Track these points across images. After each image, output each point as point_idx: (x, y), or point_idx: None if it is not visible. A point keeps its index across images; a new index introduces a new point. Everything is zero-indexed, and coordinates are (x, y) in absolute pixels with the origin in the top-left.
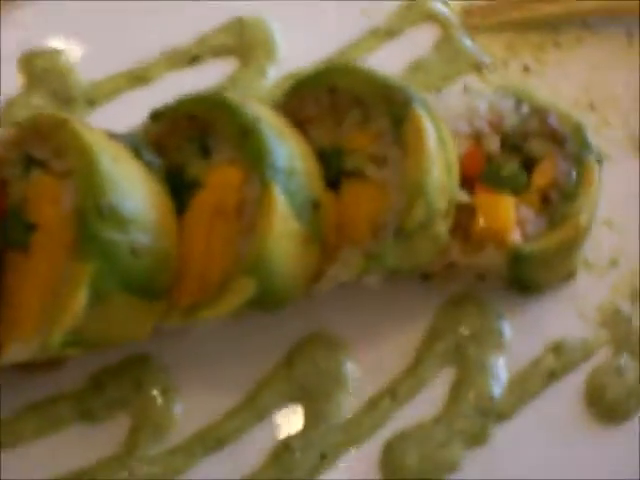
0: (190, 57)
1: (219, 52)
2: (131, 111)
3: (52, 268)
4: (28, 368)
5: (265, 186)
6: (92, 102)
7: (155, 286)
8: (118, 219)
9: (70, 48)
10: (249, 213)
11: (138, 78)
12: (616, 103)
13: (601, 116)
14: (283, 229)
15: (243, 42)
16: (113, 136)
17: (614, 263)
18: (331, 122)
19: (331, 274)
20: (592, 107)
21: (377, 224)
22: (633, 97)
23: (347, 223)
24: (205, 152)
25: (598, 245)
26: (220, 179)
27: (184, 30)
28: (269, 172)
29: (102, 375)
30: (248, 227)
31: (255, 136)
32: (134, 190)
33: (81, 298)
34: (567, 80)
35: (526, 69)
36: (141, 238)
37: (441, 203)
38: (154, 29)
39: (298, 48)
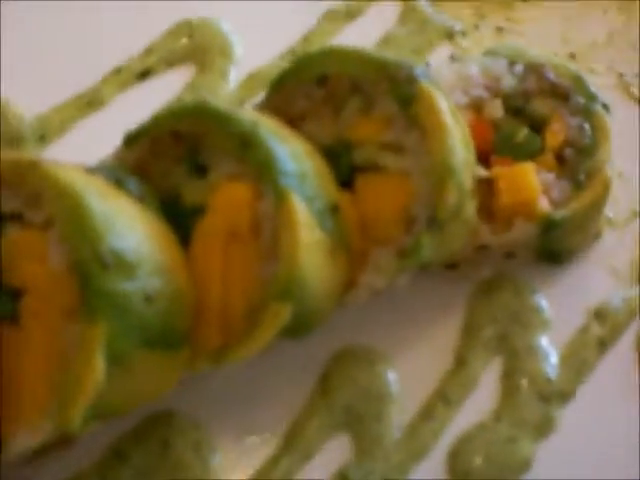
0: (140, 71)
1: (172, 61)
2: (90, 140)
3: (51, 337)
4: (37, 453)
5: (281, 196)
6: (43, 138)
7: (175, 333)
8: (124, 265)
9: (5, 84)
10: (267, 230)
11: (89, 104)
12: (596, 49)
13: (584, 65)
14: (310, 241)
15: (196, 46)
16: (89, 170)
17: (635, 214)
18: (327, 115)
19: (364, 282)
20: (573, 57)
21: (407, 217)
22: (611, 40)
23: (371, 222)
24: (199, 171)
25: (615, 199)
26: (225, 199)
27: (128, 43)
28: (282, 179)
29: (122, 443)
30: (269, 247)
31: (258, 143)
32: (132, 228)
33: (98, 365)
34: (543, 34)
35: (499, 30)
36: (153, 281)
37: (468, 181)
38: (95, 47)
39: (256, 44)
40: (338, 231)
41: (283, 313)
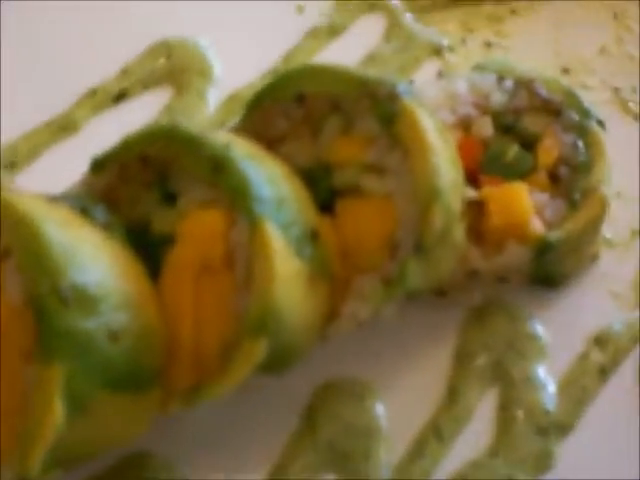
0: (116, 94)
1: (148, 83)
2: (62, 167)
3: (10, 378)
4: None
5: (255, 224)
6: (13, 165)
7: (144, 373)
8: (86, 300)
9: None
10: (241, 261)
11: (62, 128)
12: (589, 62)
13: (578, 79)
14: (286, 271)
15: (173, 67)
16: (53, 199)
17: (635, 234)
18: (306, 135)
19: (347, 312)
20: (566, 71)
21: (391, 243)
22: (605, 52)
23: (353, 249)
24: (169, 198)
25: (613, 219)
26: (196, 227)
27: (104, 65)
28: (256, 206)
29: None
30: (243, 278)
31: (230, 167)
32: (96, 259)
33: (57, 409)
34: (533, 48)
35: (487, 44)
36: (118, 317)
37: (456, 204)
38: (69, 69)
39: (235, 63)
40: (318, 259)
41: (258, 349)
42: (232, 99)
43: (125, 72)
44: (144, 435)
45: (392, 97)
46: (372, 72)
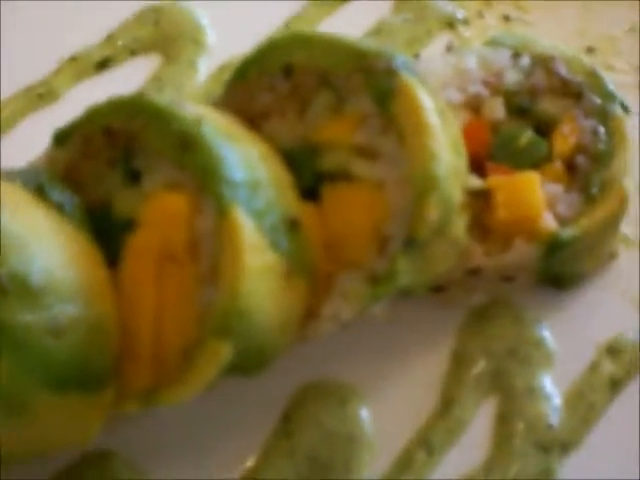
0: (99, 61)
1: (135, 49)
2: (40, 137)
3: None
4: None
5: (223, 210)
6: None
7: (94, 372)
8: (27, 291)
9: None
10: (207, 252)
11: (41, 96)
12: (616, 42)
13: (603, 60)
14: (257, 265)
15: (162, 33)
16: (9, 176)
17: None
18: (292, 112)
19: (328, 312)
20: (591, 51)
21: (380, 236)
22: (634, 32)
23: (338, 241)
24: (134, 177)
25: (633, 214)
26: (159, 212)
27: (87, 30)
28: (226, 190)
29: None
30: (208, 271)
31: (200, 145)
32: (45, 247)
33: None
34: (556, 24)
35: (506, 19)
36: (63, 310)
37: (457, 194)
38: (49, 34)
39: (230, 30)
40: (296, 251)
41: (222, 352)
42: (226, 69)
43: (110, 38)
44: (108, 432)
45: (389, 72)
46: (369, 43)
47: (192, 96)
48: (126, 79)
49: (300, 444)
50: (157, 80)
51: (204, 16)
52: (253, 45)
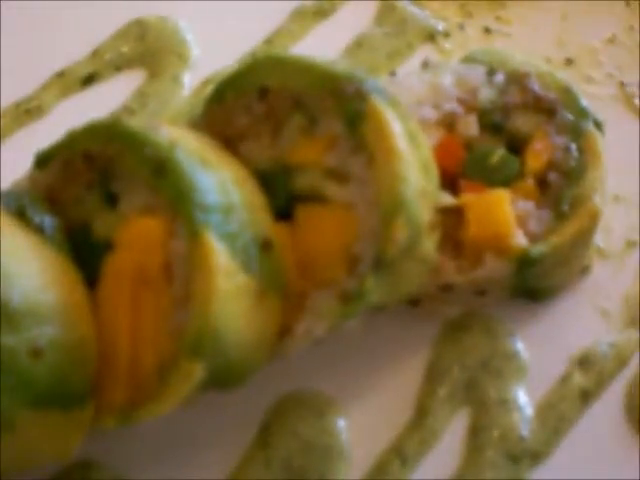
0: (84, 76)
1: (119, 65)
2: (27, 153)
3: None
4: None
5: (195, 234)
6: None
7: (73, 389)
8: (7, 314)
9: None
10: (180, 275)
11: (27, 112)
12: (595, 53)
13: (582, 71)
14: (229, 287)
15: (147, 48)
16: None
17: (631, 244)
18: (266, 134)
19: (301, 330)
20: (570, 62)
21: (350, 256)
22: (613, 43)
23: (310, 260)
24: (111, 201)
25: (608, 227)
26: (135, 235)
27: (73, 45)
28: (198, 214)
29: None
30: (182, 293)
31: (172, 169)
32: (25, 270)
33: None
34: (536, 35)
35: (487, 31)
36: (42, 332)
37: (425, 215)
38: (35, 49)
39: (214, 45)
40: (269, 271)
41: (195, 372)
42: (208, 83)
43: (96, 53)
44: (88, 443)
45: (359, 95)
46: (340, 66)
47: (176, 111)
48: (111, 94)
49: (276, 453)
50: (141, 95)
51: (188, 31)
52: (237, 58)
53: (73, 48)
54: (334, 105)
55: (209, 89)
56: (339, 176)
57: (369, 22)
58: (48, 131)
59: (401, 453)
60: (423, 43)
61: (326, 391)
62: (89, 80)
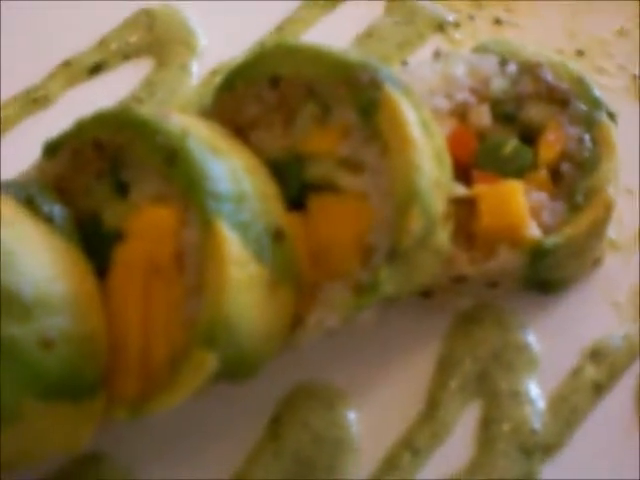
0: (92, 66)
1: (128, 54)
2: (34, 142)
3: None
4: None
5: (207, 223)
6: None
7: (84, 381)
8: (16, 305)
9: None
10: (192, 264)
11: (35, 101)
12: (606, 45)
13: (592, 64)
14: (241, 277)
15: (154, 37)
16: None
17: None
18: (279, 123)
19: (313, 321)
20: (581, 54)
21: (364, 247)
22: (625, 35)
23: (323, 251)
24: (122, 190)
25: (620, 218)
26: (145, 224)
27: (80, 34)
28: (210, 203)
29: None
30: (194, 283)
31: (184, 158)
32: (35, 260)
33: None
34: (546, 28)
35: (497, 22)
36: (53, 323)
37: (439, 205)
38: (42, 38)
39: (222, 33)
40: (282, 262)
41: (208, 362)
42: (216, 73)
43: (103, 43)
44: (99, 435)
45: (373, 84)
46: (354, 55)
47: (184, 100)
48: (119, 83)
49: (286, 445)
50: (149, 84)
51: (196, 19)
52: (245, 49)
53: (80, 37)
54: (348, 94)
55: (218, 79)
56: (353, 166)
57: (379, 12)
58: (55, 120)
59: (412, 446)
60: (433, 33)
61: (337, 383)
62: (96, 69)
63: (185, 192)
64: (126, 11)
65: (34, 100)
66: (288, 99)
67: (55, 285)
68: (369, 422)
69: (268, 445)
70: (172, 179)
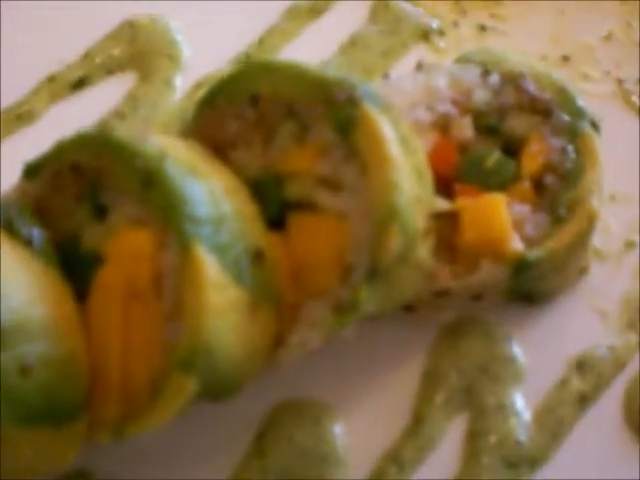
0: (75, 80)
1: (111, 68)
2: (19, 158)
3: None
4: None
5: (185, 247)
6: None
7: (64, 404)
8: None
9: None
10: (171, 287)
11: (18, 117)
12: (592, 50)
13: (578, 69)
14: (220, 301)
15: (138, 50)
16: None
17: (629, 245)
18: (258, 142)
19: (295, 340)
20: (566, 60)
21: (344, 265)
22: (610, 40)
23: (304, 270)
24: (101, 213)
25: (606, 226)
26: (124, 247)
27: (63, 48)
28: (188, 227)
29: None
30: (173, 307)
31: (161, 181)
32: (13, 286)
33: None
34: (532, 33)
35: (482, 28)
36: (31, 348)
37: (418, 222)
38: (25, 53)
39: (206, 46)
40: (261, 282)
41: (187, 386)
42: (200, 86)
43: (86, 57)
44: (83, 453)
45: (351, 102)
46: (332, 73)
47: (167, 115)
48: (102, 98)
49: (272, 461)
50: (132, 99)
51: (179, 32)
52: (229, 60)
53: (64, 51)
54: (326, 112)
55: (201, 92)
56: (331, 184)
57: (363, 20)
58: (39, 137)
59: (398, 460)
60: (418, 42)
61: (322, 398)
62: (80, 84)
63: (163, 215)
64: (110, 23)
65: (18, 116)
66: (267, 117)
67: (34, 309)
68: (355, 436)
69: (254, 462)
70: (150, 202)
